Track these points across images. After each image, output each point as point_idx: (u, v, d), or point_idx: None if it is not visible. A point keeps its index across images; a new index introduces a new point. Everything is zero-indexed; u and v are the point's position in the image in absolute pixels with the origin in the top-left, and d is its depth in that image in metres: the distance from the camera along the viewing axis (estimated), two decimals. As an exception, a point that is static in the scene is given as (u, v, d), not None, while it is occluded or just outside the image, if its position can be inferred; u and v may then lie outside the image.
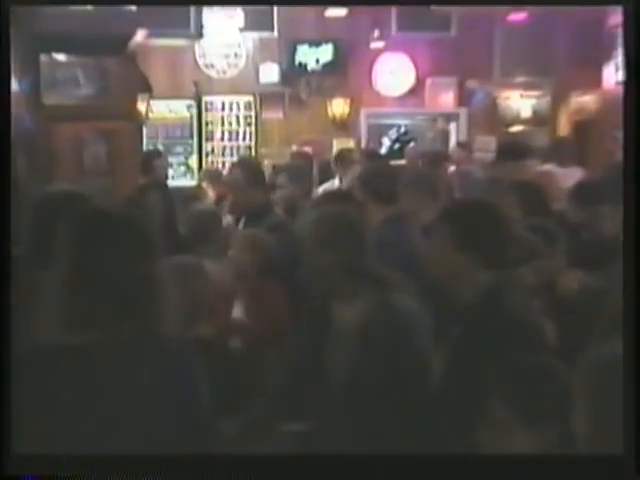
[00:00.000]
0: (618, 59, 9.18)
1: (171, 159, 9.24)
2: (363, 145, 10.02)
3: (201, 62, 10.16)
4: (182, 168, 10.37)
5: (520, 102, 10.32)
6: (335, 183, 6.36)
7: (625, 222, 2.10)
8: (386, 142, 11.36)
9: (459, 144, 8.59)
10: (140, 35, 8.62)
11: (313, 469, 1.91)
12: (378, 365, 2.51)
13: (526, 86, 10.23)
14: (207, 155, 10.38)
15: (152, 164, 6.36)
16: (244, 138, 10.40)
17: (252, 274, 3.58)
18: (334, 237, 2.61)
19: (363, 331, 2.54)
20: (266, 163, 8.45)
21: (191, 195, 6.50)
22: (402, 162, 7.71)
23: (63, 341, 1.88)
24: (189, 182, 9.76)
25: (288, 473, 1.91)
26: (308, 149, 9.18)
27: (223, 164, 9.89)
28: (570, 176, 5.99)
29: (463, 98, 10.45)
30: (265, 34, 10.10)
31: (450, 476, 1.88)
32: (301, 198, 5.23)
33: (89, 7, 7.62)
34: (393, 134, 11.40)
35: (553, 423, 1.91)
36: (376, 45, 10.12)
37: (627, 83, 2.25)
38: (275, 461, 2.00)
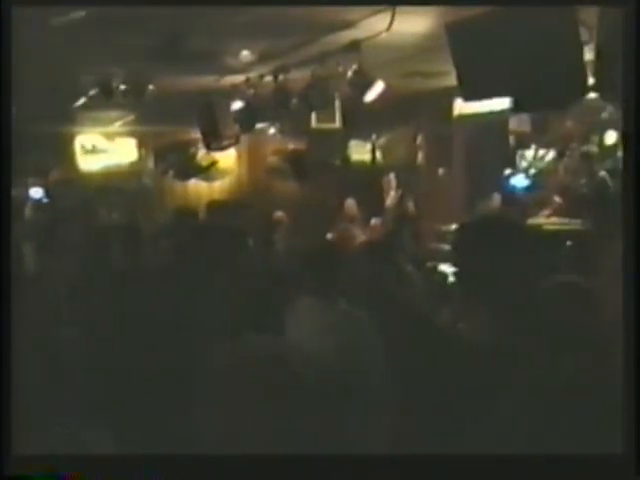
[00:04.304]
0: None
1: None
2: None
3: None
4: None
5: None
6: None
7: (626, 222, 2.08)
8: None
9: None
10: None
11: (313, 469, 1.90)
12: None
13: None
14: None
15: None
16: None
17: None
18: None
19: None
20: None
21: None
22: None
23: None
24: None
25: (288, 473, 1.90)
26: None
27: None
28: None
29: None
30: None
31: (450, 476, 1.86)
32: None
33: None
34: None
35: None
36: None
37: (626, 82, 2.21)
38: (275, 461, 1.99)
